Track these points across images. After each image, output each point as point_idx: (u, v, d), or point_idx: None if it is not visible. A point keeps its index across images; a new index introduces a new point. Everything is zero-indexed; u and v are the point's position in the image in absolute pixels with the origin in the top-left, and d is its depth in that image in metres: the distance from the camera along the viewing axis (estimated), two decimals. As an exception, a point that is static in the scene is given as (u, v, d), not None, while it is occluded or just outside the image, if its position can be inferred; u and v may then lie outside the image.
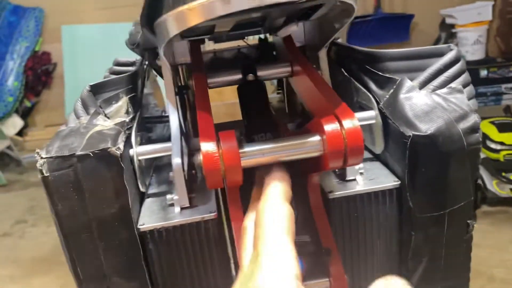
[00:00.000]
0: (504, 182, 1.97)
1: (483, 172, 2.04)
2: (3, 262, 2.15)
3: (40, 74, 3.51)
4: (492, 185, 1.99)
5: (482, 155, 2.09)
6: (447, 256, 0.56)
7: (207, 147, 0.40)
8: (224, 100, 2.44)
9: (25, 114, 3.52)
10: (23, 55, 3.47)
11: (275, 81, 0.94)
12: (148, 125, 0.75)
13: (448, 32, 3.24)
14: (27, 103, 3.53)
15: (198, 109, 0.46)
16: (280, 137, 0.53)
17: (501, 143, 2.04)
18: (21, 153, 3.27)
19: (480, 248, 1.65)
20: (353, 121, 0.41)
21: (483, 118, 2.20)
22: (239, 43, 0.77)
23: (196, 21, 0.38)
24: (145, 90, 0.79)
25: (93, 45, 3.34)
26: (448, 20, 3.17)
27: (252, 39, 0.80)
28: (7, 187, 2.91)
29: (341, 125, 0.41)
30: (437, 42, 3.30)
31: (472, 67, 2.92)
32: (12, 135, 3.34)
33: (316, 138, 0.43)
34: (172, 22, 0.40)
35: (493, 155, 2.03)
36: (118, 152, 0.49)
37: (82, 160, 0.48)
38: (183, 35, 0.56)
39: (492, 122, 2.17)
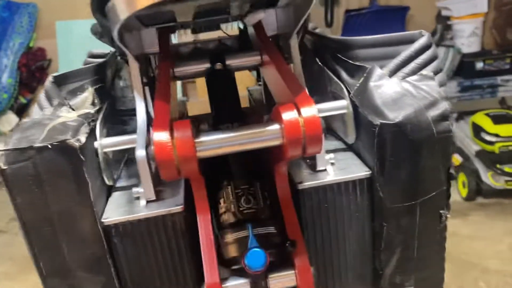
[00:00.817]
0: (499, 174, 1.96)
1: (478, 164, 2.03)
2: (-1, 259, 2.15)
3: (34, 70, 3.49)
4: (487, 177, 1.98)
5: (477, 147, 2.08)
6: (420, 247, 0.55)
7: (160, 136, 0.39)
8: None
9: (20, 110, 3.50)
10: (17, 51, 3.44)
11: (255, 73, 0.92)
12: (124, 118, 0.74)
13: (444, 24, 3.22)
14: (22, 100, 3.51)
15: (156, 98, 0.44)
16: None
17: (496, 135, 2.02)
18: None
19: (475, 240, 1.63)
20: (311, 109, 0.40)
21: (478, 111, 2.19)
22: (222, 34, 0.75)
23: (144, 4, 0.36)
24: (121, 83, 0.78)
25: (88, 41, 3.30)
26: (444, 12, 3.15)
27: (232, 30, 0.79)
28: (3, 184, 2.91)
29: (299, 113, 0.40)
30: (433, 34, 3.27)
31: (468, 60, 2.89)
32: (7, 132, 3.33)
33: (276, 127, 0.41)
34: (121, 5, 0.38)
35: (488, 147, 2.02)
36: (77, 144, 0.48)
37: (40, 152, 0.47)
38: (145, 22, 0.55)
39: (487, 114, 2.15)
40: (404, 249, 0.55)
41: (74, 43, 3.39)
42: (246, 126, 0.43)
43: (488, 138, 2.05)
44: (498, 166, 1.98)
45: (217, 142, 0.41)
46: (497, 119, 2.11)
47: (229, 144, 0.41)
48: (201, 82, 2.15)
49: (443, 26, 3.25)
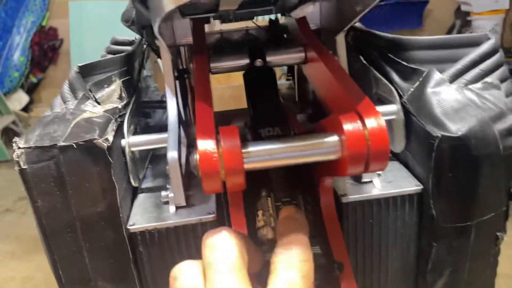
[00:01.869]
0: None
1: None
2: (5, 238, 2.14)
3: (46, 49, 3.46)
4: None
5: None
6: (471, 270, 0.51)
7: (205, 145, 0.34)
8: (231, 83, 2.36)
9: (31, 89, 3.48)
10: (30, 29, 3.40)
11: (285, 67, 0.87)
12: (147, 110, 0.70)
13: (463, 19, 3.13)
14: (33, 79, 3.49)
15: (196, 97, 0.40)
16: (291, 133, 0.47)
17: None
18: (26, 129, 3.23)
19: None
20: (378, 120, 0.35)
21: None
22: (249, 24, 0.70)
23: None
24: (144, 72, 0.73)
25: (100, 22, 3.26)
26: (464, 8, 3.06)
27: (262, 20, 0.73)
28: (11, 163, 2.88)
29: (363, 124, 0.35)
30: (451, 29, 3.19)
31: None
32: (17, 111, 3.31)
33: (334, 138, 0.36)
34: (168, -3, 0.33)
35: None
36: (105, 144, 0.43)
37: (64, 151, 0.43)
38: (184, 12, 0.50)
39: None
40: (453, 272, 0.50)
41: (86, 24, 3.35)
42: (298, 137, 0.38)
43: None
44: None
45: (267, 154, 0.36)
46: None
47: (280, 157, 0.36)
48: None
49: (461, 22, 3.16)
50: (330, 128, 0.38)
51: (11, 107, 3.22)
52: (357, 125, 0.35)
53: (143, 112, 0.68)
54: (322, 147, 0.36)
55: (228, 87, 2.29)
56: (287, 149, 0.37)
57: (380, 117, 0.35)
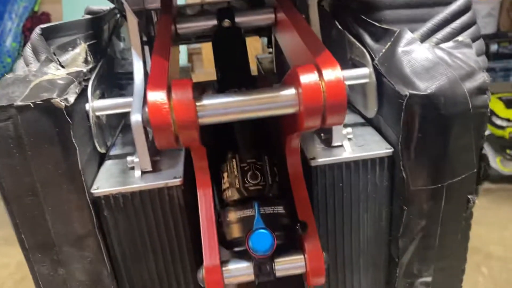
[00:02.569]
0: (508, 159, 1.90)
1: (486, 148, 1.97)
2: (-2, 224, 2.13)
3: (38, 35, 3.42)
4: (496, 162, 1.93)
5: (486, 131, 2.01)
6: (443, 234, 0.50)
7: (155, 96, 0.33)
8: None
9: (23, 76, 3.45)
10: (22, 15, 3.35)
11: (265, 40, 0.86)
12: (123, 82, 0.68)
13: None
14: (26, 65, 3.46)
15: (153, 53, 0.38)
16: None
17: (508, 120, 1.95)
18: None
19: (479, 225, 1.59)
20: (335, 71, 0.34)
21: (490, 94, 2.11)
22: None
23: None
24: (122, 45, 0.72)
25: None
26: (461, -10, 3.03)
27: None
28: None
29: (320, 75, 0.34)
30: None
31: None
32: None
33: (291, 91, 0.35)
34: None
35: (498, 132, 1.95)
36: (63, 103, 0.42)
37: (22, 111, 0.41)
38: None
39: (500, 98, 2.07)
40: (424, 236, 0.50)
41: (79, 9, 3.31)
42: (256, 90, 0.37)
43: (499, 122, 1.98)
44: (507, 151, 1.92)
45: (222, 107, 0.35)
46: (510, 104, 2.04)
47: (236, 110, 0.35)
48: (207, 51, 2.07)
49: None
50: (290, 82, 0.36)
51: (3, 93, 3.19)
52: (314, 76, 0.34)
53: (119, 84, 0.67)
54: (279, 100, 0.35)
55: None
56: (244, 102, 0.36)
57: (338, 69, 0.34)
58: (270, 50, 0.87)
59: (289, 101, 0.35)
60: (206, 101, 0.35)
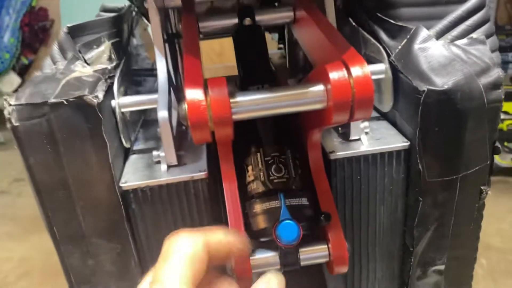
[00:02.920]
0: (505, 152, 1.93)
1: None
2: (1, 220, 2.14)
3: (37, 30, 3.41)
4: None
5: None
6: (456, 224, 0.52)
7: (193, 94, 0.34)
8: (225, 62, 2.35)
9: (22, 71, 3.44)
10: (19, 10, 3.34)
11: (276, 36, 0.87)
12: (137, 78, 0.70)
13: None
14: (24, 60, 3.44)
15: (185, 52, 0.40)
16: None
17: (505, 113, 1.98)
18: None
19: (478, 217, 1.62)
20: (363, 68, 0.35)
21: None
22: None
23: None
24: (135, 41, 0.73)
25: (91, 2, 3.22)
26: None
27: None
28: (5, 146, 2.87)
29: (349, 72, 0.35)
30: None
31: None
32: (9, 92, 3.28)
33: (320, 87, 0.37)
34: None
35: (496, 124, 1.98)
36: (95, 100, 0.43)
37: (55, 108, 0.43)
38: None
39: (497, 91, 2.10)
40: (439, 226, 0.52)
41: (77, 4, 3.30)
42: (284, 87, 0.39)
43: (497, 115, 2.01)
44: (505, 144, 1.94)
45: (255, 103, 0.37)
46: (507, 97, 2.06)
47: (268, 106, 0.37)
48: (205, 48, 2.08)
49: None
50: (317, 79, 0.38)
51: (2, 89, 3.19)
52: (343, 73, 0.35)
53: (134, 80, 0.68)
54: (309, 96, 0.37)
55: (223, 66, 2.28)
56: (274, 98, 0.37)
57: (365, 65, 0.36)
58: (280, 45, 0.89)
59: (318, 97, 0.37)
60: (239, 98, 0.36)
